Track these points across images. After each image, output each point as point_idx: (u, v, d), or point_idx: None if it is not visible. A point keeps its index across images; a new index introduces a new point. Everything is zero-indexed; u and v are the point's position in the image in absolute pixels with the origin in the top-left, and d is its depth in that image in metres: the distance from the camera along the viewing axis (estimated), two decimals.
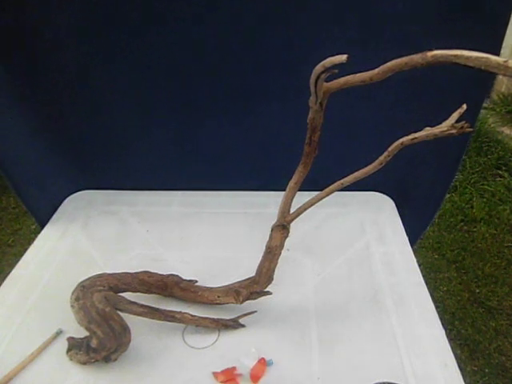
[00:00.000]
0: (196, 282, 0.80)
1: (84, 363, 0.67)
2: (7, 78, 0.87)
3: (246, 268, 0.73)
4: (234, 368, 0.66)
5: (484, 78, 0.76)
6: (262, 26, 0.79)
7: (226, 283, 0.75)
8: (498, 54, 0.39)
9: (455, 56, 0.37)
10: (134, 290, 0.73)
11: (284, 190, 0.63)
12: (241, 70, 0.86)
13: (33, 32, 0.80)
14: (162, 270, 0.77)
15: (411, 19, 0.76)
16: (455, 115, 0.52)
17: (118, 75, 0.88)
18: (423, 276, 0.83)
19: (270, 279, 0.70)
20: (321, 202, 0.62)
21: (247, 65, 0.85)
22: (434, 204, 1.05)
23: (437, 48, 0.38)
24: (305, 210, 0.64)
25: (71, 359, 0.68)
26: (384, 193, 1.06)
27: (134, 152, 1.04)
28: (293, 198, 0.63)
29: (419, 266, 0.85)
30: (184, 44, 0.82)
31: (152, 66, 0.86)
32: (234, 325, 0.73)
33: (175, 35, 0.81)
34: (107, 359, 0.66)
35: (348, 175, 0.59)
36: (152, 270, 0.75)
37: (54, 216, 1.03)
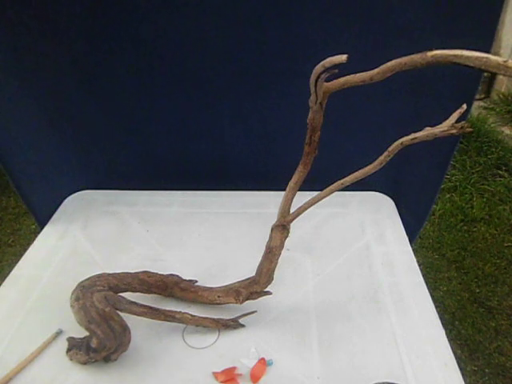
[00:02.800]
0: (196, 282, 0.80)
1: (84, 363, 0.67)
2: (9, 75, 0.86)
3: (246, 268, 0.73)
4: (234, 368, 0.66)
5: (472, 75, 0.76)
6: (265, 13, 0.78)
7: (226, 283, 0.75)
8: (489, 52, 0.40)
9: (455, 56, 0.37)
10: (134, 290, 0.73)
11: (284, 190, 0.63)
12: (243, 67, 0.86)
13: (36, 25, 0.80)
14: (162, 269, 0.77)
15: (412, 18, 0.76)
16: (455, 115, 0.52)
17: (121, 72, 0.88)
18: (423, 276, 0.83)
19: (270, 279, 0.70)
20: (321, 201, 0.62)
21: (250, 62, 0.85)
22: (428, 201, 1.05)
23: (437, 48, 0.38)
24: (305, 210, 0.64)
25: (71, 359, 0.68)
26: (381, 191, 1.06)
27: (134, 152, 1.04)
28: (293, 198, 0.63)
29: (419, 265, 0.85)
30: (188, 36, 0.81)
31: (156, 59, 0.86)
32: (233, 325, 0.73)
33: (178, 23, 0.80)
34: (107, 359, 0.67)
35: (348, 175, 0.59)
36: (152, 270, 0.75)
37: (54, 216, 1.03)
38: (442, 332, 0.72)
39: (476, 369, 1.49)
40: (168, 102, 0.93)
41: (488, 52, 0.34)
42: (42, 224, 1.02)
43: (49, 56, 0.85)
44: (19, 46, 0.83)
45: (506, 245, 1.97)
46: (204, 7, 0.78)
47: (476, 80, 0.83)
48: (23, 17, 0.79)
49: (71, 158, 1.05)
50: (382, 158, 0.56)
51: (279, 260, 0.69)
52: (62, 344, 0.70)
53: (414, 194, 1.06)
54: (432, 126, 0.52)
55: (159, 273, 0.76)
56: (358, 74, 0.44)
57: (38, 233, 0.98)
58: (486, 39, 0.74)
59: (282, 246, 0.68)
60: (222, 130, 0.98)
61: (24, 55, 0.84)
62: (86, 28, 0.81)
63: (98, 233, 0.97)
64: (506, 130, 2.66)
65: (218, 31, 0.81)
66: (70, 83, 0.90)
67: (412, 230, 1.01)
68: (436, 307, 0.76)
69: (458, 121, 0.52)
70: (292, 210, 0.65)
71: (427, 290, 0.79)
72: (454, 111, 0.52)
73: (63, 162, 1.05)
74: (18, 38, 0.82)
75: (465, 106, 0.52)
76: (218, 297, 0.74)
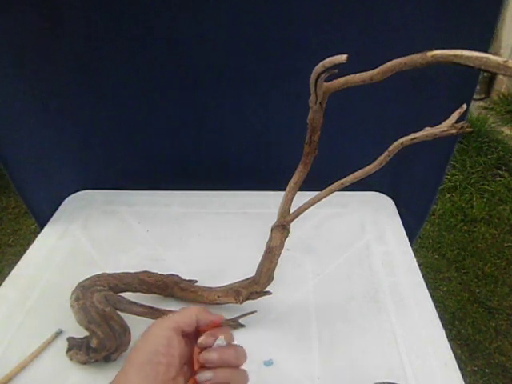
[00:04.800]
0: (196, 282, 0.80)
1: (84, 363, 0.67)
2: (9, 72, 0.86)
3: (246, 268, 0.73)
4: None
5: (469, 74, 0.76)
6: (265, 13, 0.78)
7: (226, 283, 0.75)
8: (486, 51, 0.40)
9: (455, 56, 0.37)
10: (134, 290, 0.73)
11: (284, 190, 0.63)
12: (243, 67, 0.86)
13: (37, 21, 0.80)
14: (162, 270, 0.77)
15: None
16: (455, 115, 0.52)
17: (122, 72, 0.88)
18: (423, 276, 0.83)
19: (270, 279, 0.70)
20: (321, 201, 0.62)
21: (250, 62, 0.85)
22: (428, 201, 1.05)
23: (437, 48, 0.38)
24: (305, 210, 0.64)
25: (71, 359, 0.68)
26: (381, 191, 1.06)
27: (135, 152, 1.04)
28: (293, 198, 0.63)
29: (419, 265, 0.85)
30: (188, 33, 0.81)
31: (157, 57, 0.85)
32: (233, 325, 0.73)
33: (179, 23, 0.80)
34: (107, 359, 0.66)
35: (348, 175, 0.59)
36: (152, 270, 0.75)
37: (54, 216, 1.03)
38: (442, 332, 0.72)
39: (476, 369, 1.49)
40: (168, 102, 0.93)
41: (487, 51, 0.34)
42: (42, 224, 1.02)
43: (50, 53, 0.84)
44: (20, 42, 0.83)
45: (506, 245, 1.97)
46: (204, 7, 0.78)
47: (473, 79, 0.83)
48: (25, 13, 0.79)
49: (71, 158, 1.05)
50: (381, 157, 0.56)
51: (279, 260, 0.69)
52: (62, 344, 0.70)
53: (414, 194, 1.06)
54: (432, 126, 0.52)
55: (159, 273, 0.76)
56: (357, 74, 0.44)
57: (38, 233, 0.98)
58: (485, 38, 0.74)
59: (282, 246, 0.68)
60: (223, 130, 0.98)
61: (25, 52, 0.84)
62: (88, 25, 0.81)
63: (98, 233, 0.97)
64: (506, 130, 2.66)
65: (218, 31, 0.81)
66: (70, 82, 0.90)
67: (412, 230, 1.01)
68: (436, 307, 0.76)
69: (457, 121, 0.52)
70: (292, 210, 0.65)
71: (427, 290, 0.79)
72: (454, 111, 0.53)
73: (63, 162, 1.05)
74: (20, 34, 0.81)
75: (464, 106, 0.53)
76: (218, 297, 0.74)
